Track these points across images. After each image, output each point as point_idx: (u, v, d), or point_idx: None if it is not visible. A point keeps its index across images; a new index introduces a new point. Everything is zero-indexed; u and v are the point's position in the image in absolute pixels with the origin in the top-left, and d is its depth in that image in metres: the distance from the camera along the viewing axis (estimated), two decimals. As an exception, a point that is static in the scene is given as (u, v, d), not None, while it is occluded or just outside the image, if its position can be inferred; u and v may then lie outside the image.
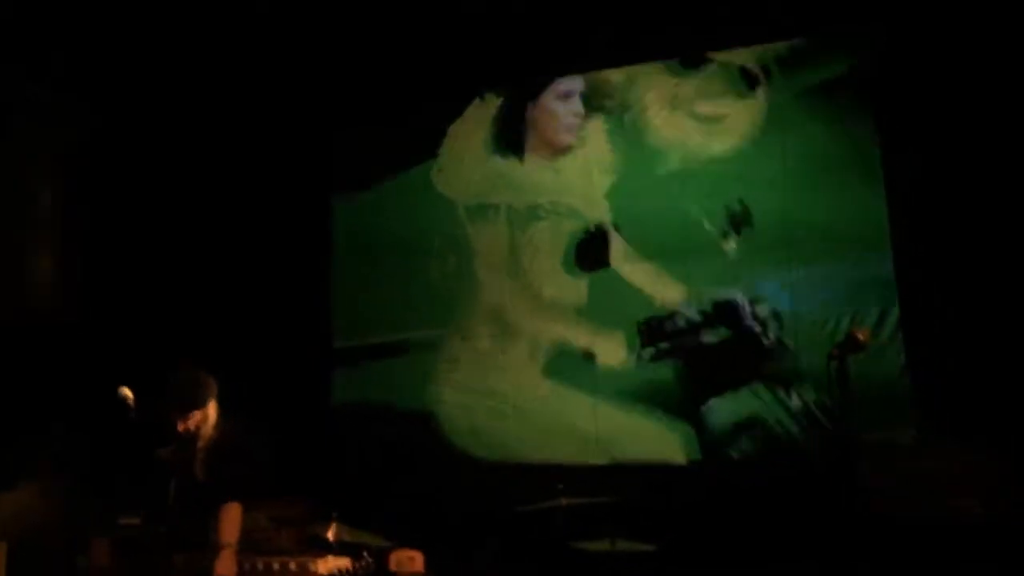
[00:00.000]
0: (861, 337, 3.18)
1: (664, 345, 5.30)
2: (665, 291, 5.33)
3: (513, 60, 5.73)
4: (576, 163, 5.63)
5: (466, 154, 5.90)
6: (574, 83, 5.69)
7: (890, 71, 4.95)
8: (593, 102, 5.64)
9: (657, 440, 5.22)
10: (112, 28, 5.50)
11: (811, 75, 5.16)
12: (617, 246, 5.47)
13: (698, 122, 5.38)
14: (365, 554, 4.21)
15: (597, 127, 5.62)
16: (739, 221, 5.20)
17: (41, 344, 5.26)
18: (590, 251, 5.52)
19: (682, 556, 4.67)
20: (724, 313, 5.19)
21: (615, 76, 5.62)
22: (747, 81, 5.31)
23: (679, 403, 5.22)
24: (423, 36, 5.71)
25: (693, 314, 5.25)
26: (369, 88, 6.01)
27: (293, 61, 5.91)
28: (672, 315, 5.28)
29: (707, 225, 5.27)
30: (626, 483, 4.97)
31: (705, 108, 5.39)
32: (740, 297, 5.15)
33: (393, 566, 4.56)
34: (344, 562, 4.14)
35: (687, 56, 5.44)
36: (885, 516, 4.35)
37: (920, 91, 4.86)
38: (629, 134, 5.52)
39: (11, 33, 5.21)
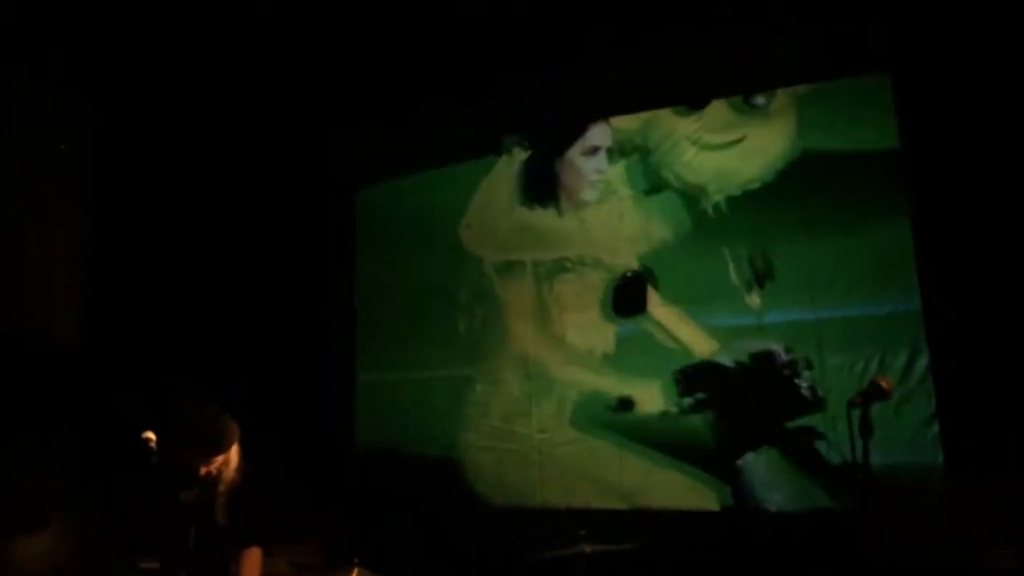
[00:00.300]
0: (884, 385, 3.15)
1: (701, 395, 5.26)
2: (697, 339, 5.29)
3: (531, 106, 5.79)
4: (600, 213, 5.66)
5: (494, 208, 5.97)
6: (602, 138, 5.72)
7: (914, 102, 4.91)
8: (615, 150, 5.67)
9: (686, 490, 5.16)
10: (113, 27, 5.53)
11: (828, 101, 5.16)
12: (650, 292, 5.45)
13: (725, 149, 5.37)
14: (386, 601, 4.18)
15: (619, 174, 5.64)
16: (762, 275, 5.17)
17: (51, 369, 5.31)
18: (627, 296, 5.51)
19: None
20: (760, 363, 5.13)
21: (633, 123, 5.65)
22: (758, 103, 5.32)
23: (712, 454, 5.16)
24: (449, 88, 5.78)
25: (729, 363, 5.20)
26: (398, 137, 6.08)
27: (309, 77, 5.98)
28: (708, 364, 5.24)
29: (733, 276, 5.24)
30: (651, 531, 4.89)
31: (725, 137, 5.39)
32: (775, 346, 5.09)
33: (414, 613, 4.52)
34: (365, 608, 4.11)
35: (690, 102, 5.49)
36: (914, 567, 4.25)
37: (946, 121, 4.81)
38: (657, 177, 5.54)
39: (10, 32, 5.25)
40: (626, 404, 5.41)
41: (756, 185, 5.26)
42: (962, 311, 4.69)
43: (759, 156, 5.28)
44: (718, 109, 5.44)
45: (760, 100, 5.35)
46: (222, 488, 3.94)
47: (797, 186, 5.16)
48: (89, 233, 5.87)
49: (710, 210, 5.35)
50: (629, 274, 5.55)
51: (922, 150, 4.88)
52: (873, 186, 4.98)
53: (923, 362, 4.80)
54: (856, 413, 3.12)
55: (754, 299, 5.19)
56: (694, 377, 5.27)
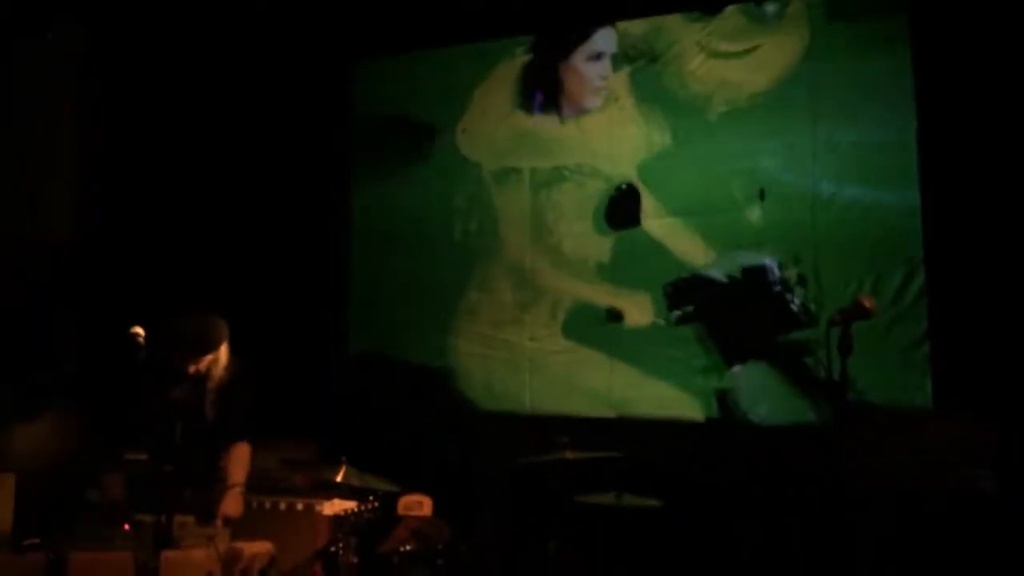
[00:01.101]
0: (867, 304, 3.13)
1: (690, 308, 5.26)
2: (692, 251, 5.27)
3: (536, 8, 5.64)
4: (602, 121, 5.56)
5: (491, 113, 5.87)
6: (607, 43, 5.59)
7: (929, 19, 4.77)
8: (619, 55, 5.55)
9: (674, 402, 5.21)
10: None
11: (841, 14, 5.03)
12: (645, 203, 5.41)
13: (734, 59, 5.26)
14: (371, 498, 4.29)
15: (622, 82, 5.53)
16: (763, 189, 5.11)
17: (57, 278, 5.36)
18: (621, 208, 5.46)
19: (689, 513, 4.70)
20: (753, 277, 5.12)
21: (640, 27, 5.51)
22: (775, 11, 5.18)
23: (701, 366, 5.18)
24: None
25: (721, 277, 5.19)
26: (397, 30, 5.95)
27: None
28: (699, 277, 5.24)
29: (733, 188, 5.18)
30: (637, 439, 4.97)
31: (736, 45, 5.26)
32: (769, 261, 5.07)
33: (401, 510, 4.66)
34: (350, 504, 4.23)
35: (705, 5, 5.34)
36: (892, 483, 4.33)
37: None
38: (657, 87, 5.43)
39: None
40: (615, 316, 5.43)
41: (762, 97, 5.15)
42: (964, 228, 4.65)
43: (768, 67, 5.17)
44: (732, 15, 5.29)
45: (773, 7, 5.20)
46: (211, 385, 4.03)
47: (805, 96, 5.04)
48: (105, 167, 5.85)
49: (714, 119, 5.26)
50: (624, 186, 5.49)
51: (934, 68, 4.74)
52: (883, 102, 4.87)
53: (918, 283, 4.77)
54: (836, 331, 3.10)
55: (754, 212, 5.14)
56: (684, 290, 5.27)
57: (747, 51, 5.24)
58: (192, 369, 3.94)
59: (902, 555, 4.22)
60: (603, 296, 5.47)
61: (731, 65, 5.27)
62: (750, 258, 5.12)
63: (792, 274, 5.02)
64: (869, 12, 4.96)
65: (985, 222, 4.58)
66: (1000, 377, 4.43)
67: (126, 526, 3.53)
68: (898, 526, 4.29)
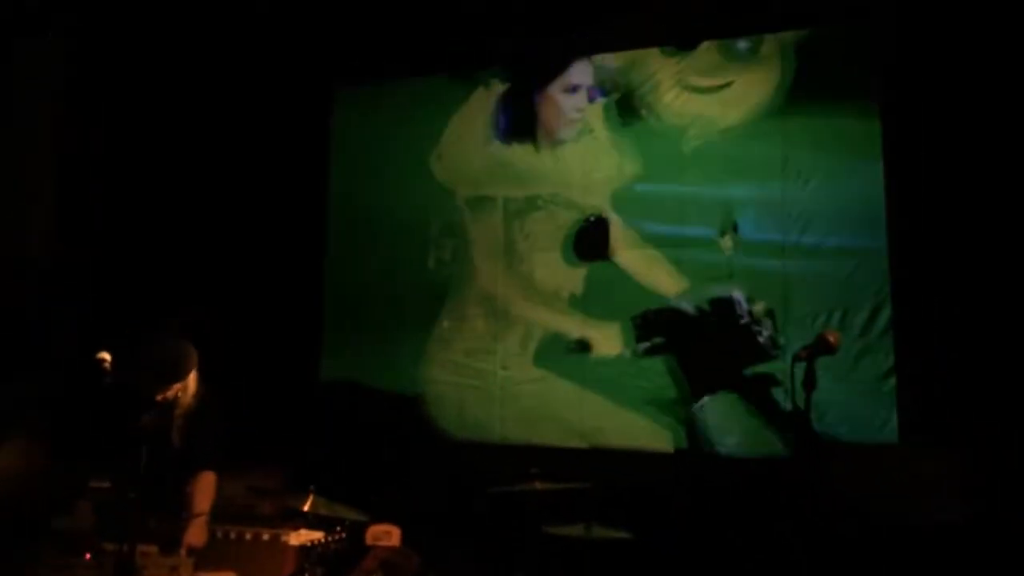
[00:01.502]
0: (832, 339, 3.15)
1: (658, 339, 5.29)
2: (664, 283, 5.31)
3: (514, 41, 5.71)
4: (576, 151, 5.62)
5: (467, 141, 5.90)
6: (583, 76, 5.65)
7: (896, 62, 4.87)
8: (595, 89, 5.60)
9: (644, 432, 5.22)
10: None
11: (816, 50, 5.13)
12: (616, 234, 5.45)
13: (709, 94, 5.33)
14: (338, 528, 4.26)
15: (597, 114, 5.59)
16: (736, 221, 5.16)
17: (24, 296, 5.32)
18: (589, 240, 5.51)
19: (658, 545, 4.70)
20: (721, 310, 5.17)
21: (616, 60, 5.58)
22: (751, 46, 5.26)
23: (669, 398, 5.22)
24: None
25: (690, 309, 5.23)
26: (376, 57, 5.99)
27: (300, 17, 5.87)
28: (668, 309, 5.27)
29: (706, 223, 5.24)
30: (607, 470, 4.98)
31: (711, 81, 5.34)
32: (737, 293, 5.12)
33: (370, 540, 4.61)
34: (317, 535, 4.19)
35: (681, 41, 5.43)
36: (862, 516, 4.35)
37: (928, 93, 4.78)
38: (631, 119, 5.49)
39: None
40: (583, 346, 5.45)
41: (734, 132, 5.23)
42: (930, 266, 4.73)
43: (741, 103, 5.24)
44: (707, 52, 5.38)
45: (747, 45, 5.28)
46: (178, 412, 3.99)
47: (777, 134, 5.13)
48: (81, 187, 5.83)
49: (688, 152, 5.32)
50: (592, 218, 5.53)
51: (903, 112, 4.84)
52: (852, 144, 4.97)
53: (885, 316, 4.84)
54: (801, 366, 3.12)
55: (726, 243, 5.19)
56: (653, 321, 5.31)
57: (721, 87, 5.32)
58: (160, 397, 3.90)
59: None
60: (573, 326, 5.50)
61: (705, 100, 5.35)
62: (719, 290, 5.17)
63: (761, 307, 5.07)
64: (840, 55, 5.05)
65: (952, 258, 4.65)
66: (966, 410, 4.48)
67: (87, 555, 3.48)
68: (865, 558, 4.31)
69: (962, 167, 4.65)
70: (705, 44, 5.38)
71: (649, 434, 5.22)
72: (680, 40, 5.43)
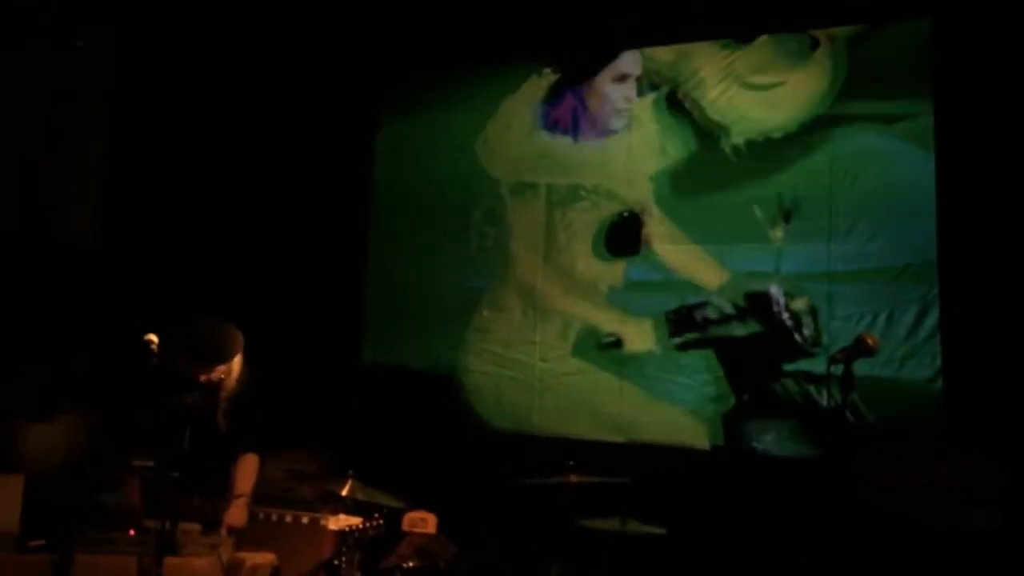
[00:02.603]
0: (870, 342, 3.13)
1: (692, 335, 5.26)
2: (705, 278, 5.27)
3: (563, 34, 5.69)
4: (622, 144, 5.59)
5: (514, 129, 5.90)
6: (632, 65, 5.61)
7: (951, 60, 4.77)
8: (644, 82, 5.57)
9: (681, 428, 5.21)
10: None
11: (871, 48, 5.03)
12: (658, 229, 5.42)
13: (757, 92, 5.27)
14: (376, 515, 4.31)
15: (645, 107, 5.55)
16: (789, 211, 5.10)
17: (75, 279, 5.46)
18: (621, 235, 5.49)
19: (692, 542, 4.69)
20: (756, 305, 5.11)
21: (666, 54, 5.54)
22: (806, 45, 5.18)
23: (707, 394, 5.19)
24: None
25: (725, 305, 5.19)
26: (422, 44, 6.01)
27: (352, 4, 5.92)
28: (703, 305, 5.24)
29: (750, 218, 5.18)
30: (644, 464, 4.97)
31: (762, 78, 5.28)
32: (774, 290, 5.07)
33: (406, 526, 4.67)
34: (356, 520, 4.25)
35: (738, 34, 5.36)
36: (896, 518, 4.29)
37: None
38: (683, 112, 5.45)
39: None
40: (615, 341, 5.44)
41: (784, 128, 5.15)
42: (980, 268, 4.63)
43: (793, 100, 5.17)
44: (761, 47, 5.31)
45: (803, 43, 5.20)
46: (223, 395, 4.06)
47: (826, 131, 5.05)
48: (126, 167, 5.95)
49: (729, 150, 5.28)
50: (626, 213, 5.51)
51: (957, 116, 4.75)
52: (903, 144, 4.89)
53: (933, 319, 4.75)
54: (838, 368, 3.10)
55: (770, 241, 5.13)
56: (687, 317, 5.27)
57: (773, 85, 5.25)
58: (204, 378, 3.98)
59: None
60: (607, 320, 5.48)
61: (753, 96, 5.28)
62: (756, 286, 5.12)
63: (802, 304, 5.00)
64: (894, 52, 4.96)
65: (1002, 261, 4.56)
66: (1013, 416, 4.39)
67: (131, 531, 3.58)
68: (900, 562, 4.25)
69: (1017, 168, 4.54)
70: (762, 38, 5.31)
71: (686, 430, 5.20)
72: (737, 33, 5.37)
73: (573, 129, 5.74)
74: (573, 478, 4.37)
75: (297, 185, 6.08)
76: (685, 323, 5.27)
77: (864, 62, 5.03)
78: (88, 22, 5.72)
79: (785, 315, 5.04)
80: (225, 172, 6.04)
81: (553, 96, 5.83)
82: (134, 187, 5.93)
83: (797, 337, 4.99)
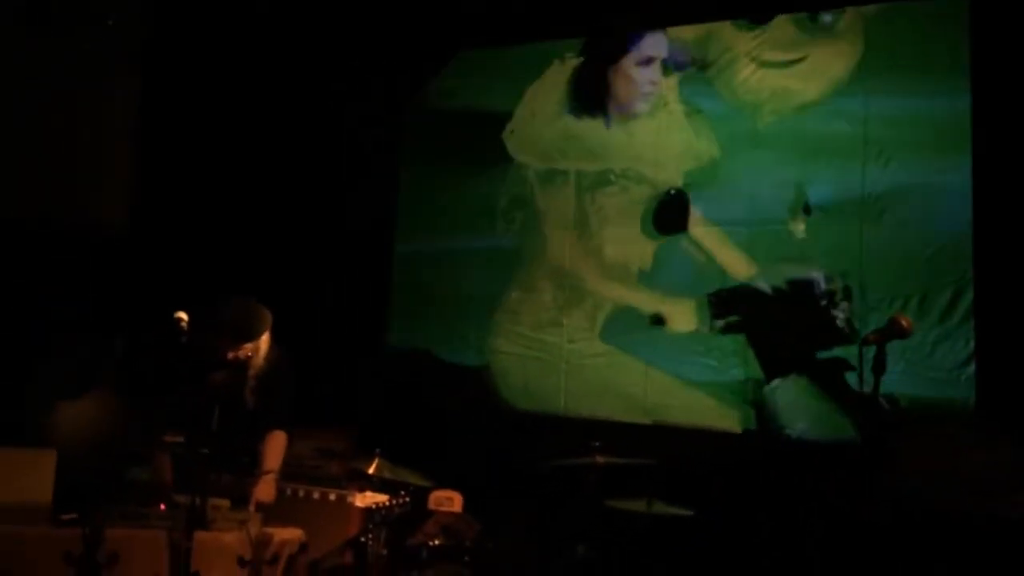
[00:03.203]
0: (904, 323, 3.07)
1: (734, 318, 5.22)
2: (734, 261, 5.23)
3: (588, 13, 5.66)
4: (649, 126, 5.55)
5: (540, 115, 5.89)
6: (657, 48, 5.57)
7: (990, 37, 4.67)
8: (669, 63, 5.52)
9: (710, 412, 5.18)
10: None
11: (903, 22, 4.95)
12: (691, 211, 5.37)
13: (785, 68, 5.20)
14: (403, 493, 4.33)
15: (671, 88, 5.51)
16: (808, 205, 5.04)
17: (108, 257, 5.51)
18: (669, 213, 5.44)
19: (720, 524, 4.67)
20: (800, 291, 5.06)
21: (690, 33, 5.49)
22: (823, 20, 5.11)
23: (739, 378, 5.15)
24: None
25: (767, 289, 5.14)
26: (451, 29, 6.00)
27: None
28: (745, 288, 5.19)
29: (779, 200, 5.13)
30: (671, 447, 4.96)
31: (785, 55, 5.22)
32: (816, 275, 5.00)
33: (432, 505, 4.69)
34: (382, 498, 4.27)
35: (754, 14, 5.31)
36: (929, 505, 4.25)
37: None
38: (706, 95, 5.41)
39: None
40: (658, 321, 5.41)
41: (811, 108, 5.09)
42: (1015, 251, 4.55)
43: (818, 78, 5.11)
44: (781, 25, 5.24)
45: (826, 18, 5.13)
46: (251, 373, 4.09)
47: (857, 112, 4.97)
48: (162, 150, 6.00)
49: (762, 129, 5.21)
50: (672, 191, 5.46)
51: (993, 85, 4.65)
52: (937, 118, 4.80)
53: (967, 302, 4.68)
54: (871, 350, 3.05)
55: (799, 225, 5.08)
56: (729, 300, 5.23)
57: (795, 61, 5.19)
58: (232, 355, 4.01)
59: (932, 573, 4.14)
60: (647, 301, 5.45)
61: (780, 75, 5.22)
62: (796, 271, 5.06)
63: (838, 287, 4.95)
64: (926, 28, 4.88)
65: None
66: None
67: (162, 506, 3.61)
68: (933, 548, 4.21)
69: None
70: (779, 18, 5.24)
71: (716, 413, 5.17)
72: (753, 13, 5.30)
73: (599, 113, 5.70)
74: (599, 459, 4.36)
75: (326, 168, 6.11)
76: (726, 305, 5.23)
77: (893, 36, 4.95)
78: (119, 6, 5.75)
79: (825, 301, 4.98)
80: (255, 154, 6.07)
81: (577, 80, 5.79)
82: (164, 169, 5.97)
83: (837, 322, 4.92)
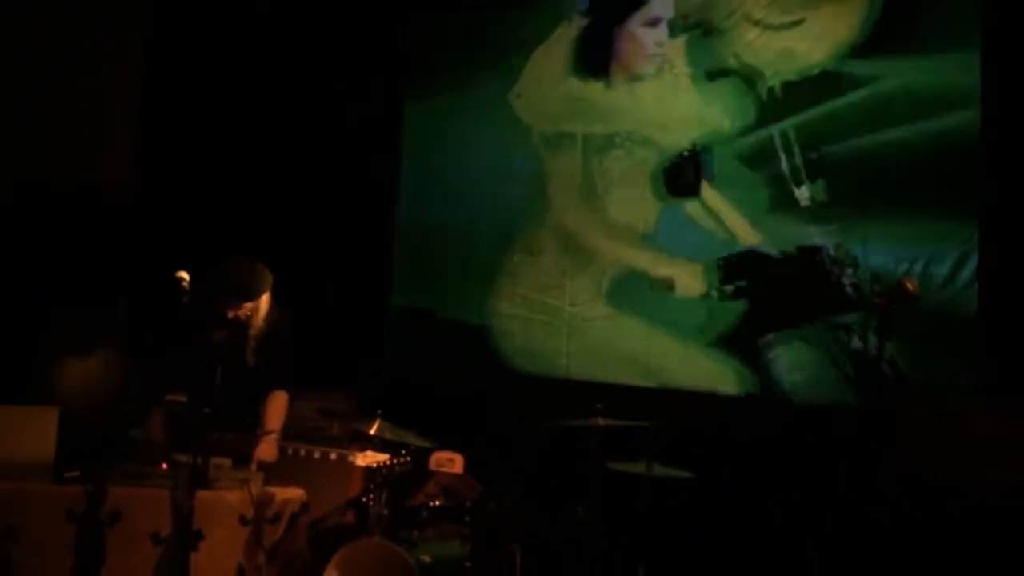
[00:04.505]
0: (910, 287, 3.07)
1: (743, 282, 5.20)
2: (739, 225, 5.20)
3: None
4: (656, 89, 5.50)
5: (547, 78, 5.83)
6: (664, 8, 5.50)
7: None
8: (676, 23, 5.45)
9: (713, 375, 5.19)
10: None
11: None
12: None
13: (791, 30, 5.12)
14: (404, 452, 4.34)
15: (678, 50, 5.44)
16: (815, 167, 4.99)
17: (111, 217, 5.50)
18: (682, 174, 5.39)
19: (721, 487, 4.68)
20: (807, 256, 5.02)
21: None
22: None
23: (742, 340, 5.14)
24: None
25: (775, 254, 5.11)
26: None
27: None
28: (753, 252, 5.17)
29: (784, 167, 5.08)
30: (672, 409, 4.97)
31: (792, 16, 5.13)
32: (824, 241, 4.97)
33: (433, 466, 4.71)
34: (383, 457, 4.27)
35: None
36: (931, 471, 4.25)
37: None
38: (712, 57, 5.34)
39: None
40: (667, 284, 5.39)
41: (819, 73, 5.01)
42: (1021, 218, 4.51)
43: (823, 39, 5.02)
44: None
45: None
46: (252, 333, 4.09)
47: (865, 76, 4.90)
48: (163, 112, 5.96)
49: (765, 95, 5.15)
50: (686, 153, 5.40)
51: (1005, 40, 4.57)
52: (944, 81, 4.72)
53: (971, 267, 4.64)
54: (877, 314, 3.04)
55: (803, 192, 5.04)
56: (738, 264, 5.20)
57: (795, 23, 5.09)
58: (232, 315, 4.00)
59: (934, 544, 4.16)
60: (654, 264, 5.43)
61: (783, 37, 5.13)
62: (804, 236, 5.02)
63: (845, 254, 4.92)
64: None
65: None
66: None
67: (164, 465, 3.62)
68: (934, 516, 4.22)
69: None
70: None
71: (718, 376, 5.18)
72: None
73: (604, 75, 5.62)
74: (600, 421, 4.37)
75: (328, 130, 6.06)
76: (735, 270, 5.21)
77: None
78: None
79: (833, 267, 4.95)
80: (258, 115, 6.03)
81: (583, 41, 5.72)
82: (167, 131, 5.93)
83: (845, 288, 4.89)
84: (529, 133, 5.85)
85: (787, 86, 5.11)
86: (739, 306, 5.18)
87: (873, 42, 4.91)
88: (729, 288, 5.22)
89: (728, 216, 5.25)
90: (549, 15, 5.85)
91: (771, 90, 5.15)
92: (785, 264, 5.09)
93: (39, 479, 3.50)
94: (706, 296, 5.27)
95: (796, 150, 5.07)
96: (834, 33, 5.01)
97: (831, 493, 4.41)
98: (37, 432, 3.57)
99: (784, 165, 5.09)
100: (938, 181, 4.75)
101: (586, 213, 5.64)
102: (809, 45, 5.06)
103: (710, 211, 5.30)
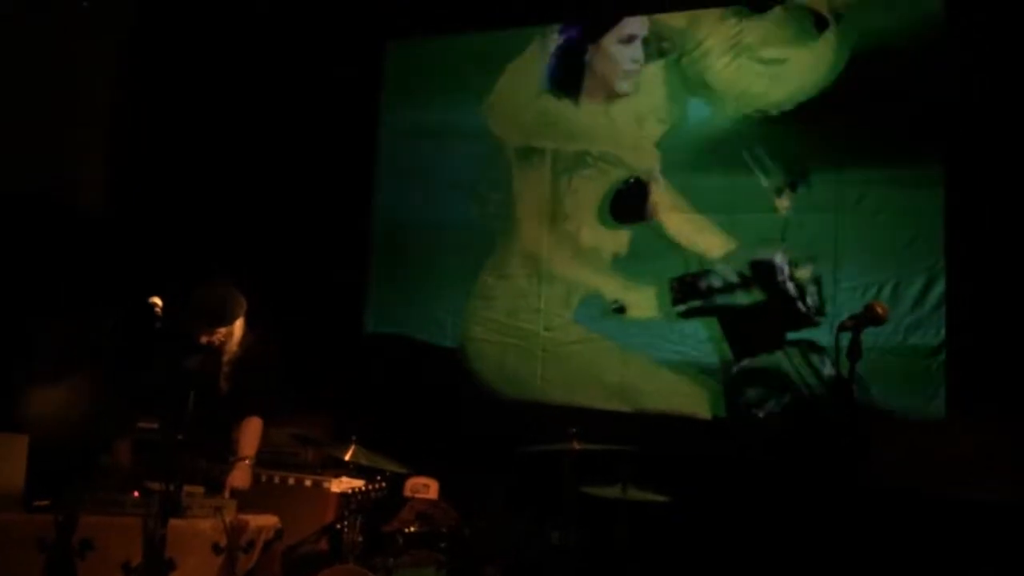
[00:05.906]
0: (880, 310, 3.09)
1: (696, 303, 5.25)
2: (707, 246, 5.25)
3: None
4: (629, 109, 5.54)
5: (520, 92, 5.84)
6: (638, 27, 5.56)
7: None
8: (652, 46, 5.51)
9: (683, 398, 5.22)
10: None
11: (884, 20, 4.96)
12: (663, 197, 5.39)
13: (761, 66, 5.22)
14: (379, 478, 4.32)
15: (654, 73, 5.50)
16: (796, 179, 5.06)
17: (82, 241, 5.45)
18: (627, 203, 5.46)
19: (694, 510, 4.70)
20: (761, 274, 5.11)
21: (676, 20, 5.47)
22: (816, 24, 5.10)
23: (710, 363, 5.19)
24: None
25: (729, 273, 5.18)
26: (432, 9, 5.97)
27: None
28: (707, 273, 5.23)
29: (763, 181, 5.15)
30: (646, 433, 4.99)
31: (768, 52, 5.22)
32: (779, 258, 5.05)
33: (408, 492, 4.69)
34: (358, 483, 4.25)
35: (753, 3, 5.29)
36: (901, 490, 4.31)
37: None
38: (687, 80, 5.40)
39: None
40: (619, 308, 5.44)
41: (776, 111, 5.12)
42: (987, 241, 4.63)
43: (795, 80, 5.11)
44: (771, 19, 5.23)
45: (812, 22, 5.11)
46: (225, 358, 4.06)
47: (832, 112, 5.01)
48: (137, 133, 5.93)
49: (740, 121, 5.22)
50: (632, 180, 5.47)
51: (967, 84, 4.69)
52: (910, 123, 4.85)
53: (938, 290, 4.74)
54: (846, 336, 3.08)
55: (777, 211, 5.11)
56: (692, 285, 5.25)
57: (776, 61, 5.19)
58: (206, 340, 3.98)
59: (907, 560, 4.21)
60: (611, 287, 5.47)
61: (758, 70, 5.22)
62: (761, 254, 5.10)
63: (806, 272, 4.99)
64: (906, 46, 4.89)
65: (1010, 233, 4.54)
66: (1016, 389, 4.39)
67: (135, 493, 3.58)
68: (905, 532, 4.27)
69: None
70: (775, 10, 5.23)
71: (688, 399, 5.21)
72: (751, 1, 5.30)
73: (578, 92, 5.67)
74: (576, 445, 4.37)
75: (300, 151, 6.04)
76: (689, 291, 5.26)
77: (873, 39, 4.96)
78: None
79: (789, 284, 5.03)
80: (228, 136, 6.01)
81: (557, 58, 5.76)
82: (140, 151, 5.90)
83: (800, 306, 5.00)
84: (502, 148, 5.84)
85: (761, 115, 5.19)
86: (704, 327, 5.21)
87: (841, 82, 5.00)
88: (681, 308, 5.26)
89: (699, 236, 5.29)
90: (523, 31, 5.86)
91: (747, 115, 5.23)
92: (741, 283, 5.15)
93: (9, 508, 3.44)
94: (652, 319, 5.31)
95: (769, 173, 5.15)
96: (802, 76, 5.10)
97: (805, 513, 4.45)
98: (7, 460, 3.51)
99: (758, 185, 5.16)
100: (906, 205, 4.85)
101: (555, 235, 5.64)
102: (775, 84, 5.16)
103: (675, 234, 5.34)
